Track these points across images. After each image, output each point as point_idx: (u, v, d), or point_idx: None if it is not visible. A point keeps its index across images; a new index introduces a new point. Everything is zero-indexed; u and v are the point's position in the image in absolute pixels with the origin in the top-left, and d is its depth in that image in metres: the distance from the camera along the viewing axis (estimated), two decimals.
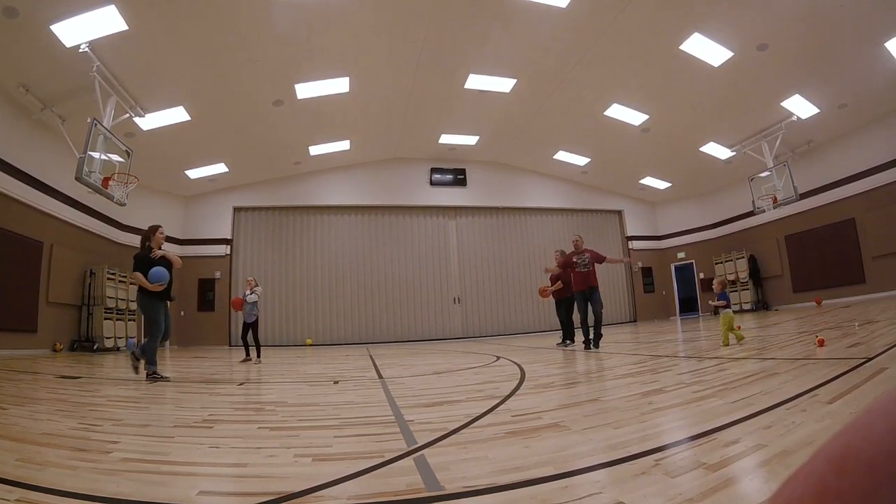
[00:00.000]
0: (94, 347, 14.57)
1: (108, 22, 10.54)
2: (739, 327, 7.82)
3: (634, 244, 23.80)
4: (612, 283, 22.59)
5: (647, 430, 2.72)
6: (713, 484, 1.74)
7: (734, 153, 18.69)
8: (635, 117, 17.15)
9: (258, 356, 10.97)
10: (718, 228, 22.57)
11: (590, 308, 9.46)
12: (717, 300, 7.63)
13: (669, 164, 20.70)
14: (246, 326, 10.98)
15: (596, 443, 2.50)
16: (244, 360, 10.76)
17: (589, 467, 2.09)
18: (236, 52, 12.41)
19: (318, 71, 13.77)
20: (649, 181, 22.65)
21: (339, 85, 14.54)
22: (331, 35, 12.32)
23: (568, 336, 10.51)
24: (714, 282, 8.49)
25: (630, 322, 22.31)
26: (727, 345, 7.02)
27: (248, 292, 10.94)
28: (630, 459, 2.12)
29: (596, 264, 9.46)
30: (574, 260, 9.36)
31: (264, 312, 19.31)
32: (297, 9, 11.17)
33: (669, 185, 22.73)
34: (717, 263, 21.52)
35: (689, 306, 23.50)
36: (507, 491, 1.88)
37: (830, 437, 0.29)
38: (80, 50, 10.89)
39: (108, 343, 15.08)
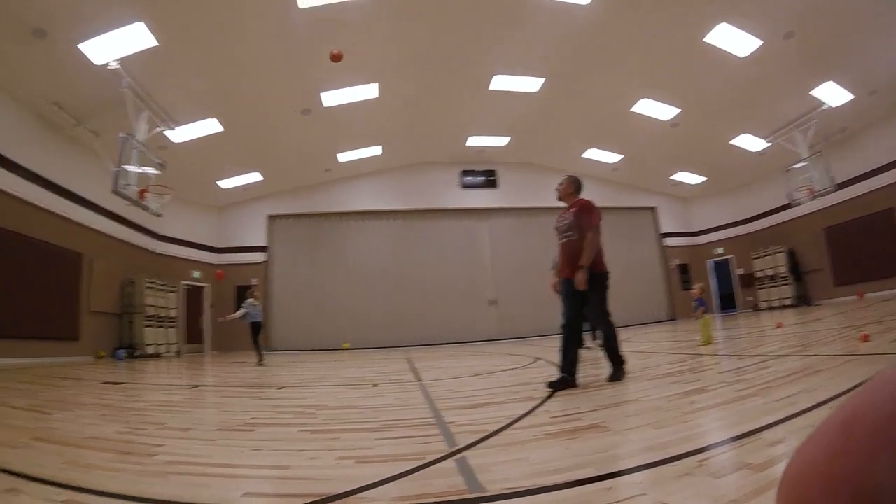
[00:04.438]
0: (135, 354, 14.92)
1: (136, 38, 10.87)
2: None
3: (669, 241, 23.45)
4: (647, 280, 22.36)
5: (690, 430, 2.68)
6: (758, 485, 1.71)
7: (768, 144, 18.24)
8: (664, 112, 16.91)
9: (261, 359, 11.85)
10: (755, 222, 22.08)
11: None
12: (697, 305, 8.25)
13: (701, 158, 20.37)
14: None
15: (637, 443, 2.49)
16: (260, 363, 11.50)
17: (631, 469, 2.07)
18: (263, 63, 12.65)
19: (343, 78, 13.90)
20: (682, 176, 22.29)
21: (367, 91, 14.67)
22: (357, 43, 12.38)
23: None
24: (695, 287, 8.81)
25: (668, 321, 21.91)
26: (709, 343, 7.65)
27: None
28: (672, 460, 2.09)
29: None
30: (556, 224, 5.43)
31: (302, 316, 19.86)
32: (319, 17, 11.29)
33: (703, 179, 22.36)
34: (754, 258, 21.04)
35: (728, 303, 22.99)
36: (549, 493, 1.88)
37: (840, 404, 0.33)
38: (110, 67, 11.20)
39: (150, 350, 15.43)
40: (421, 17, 11.97)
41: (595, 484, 1.92)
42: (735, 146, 18.94)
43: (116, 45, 10.89)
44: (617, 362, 5.01)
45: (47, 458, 2.75)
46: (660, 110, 16.85)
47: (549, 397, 4.20)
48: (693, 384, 4.21)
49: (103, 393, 6.32)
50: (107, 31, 10.48)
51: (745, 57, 13.50)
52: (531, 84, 15.27)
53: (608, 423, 3.01)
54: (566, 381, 4.67)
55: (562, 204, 5.39)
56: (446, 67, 14.14)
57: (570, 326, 4.92)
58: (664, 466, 2.04)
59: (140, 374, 9.72)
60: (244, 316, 12.12)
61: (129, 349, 14.98)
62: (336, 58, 10.07)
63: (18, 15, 9.66)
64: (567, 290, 5.03)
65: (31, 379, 8.08)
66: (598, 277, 4.93)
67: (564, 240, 5.18)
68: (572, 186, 5.38)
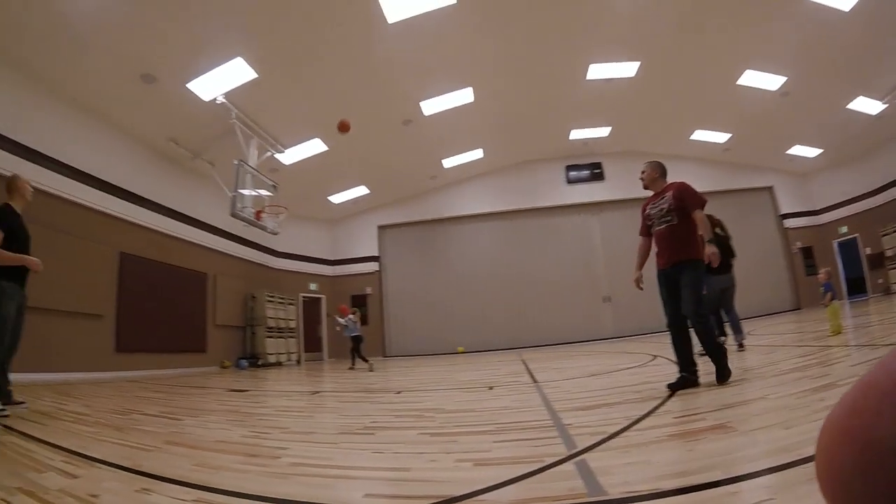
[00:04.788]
0: (258, 363, 15.83)
1: (238, 73, 11.69)
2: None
3: (790, 222, 21.64)
4: (767, 267, 20.89)
5: (820, 430, 2.51)
6: None
7: (886, 105, 16.30)
8: (772, 81, 15.63)
9: (353, 364, 13.20)
10: (882, 194, 19.46)
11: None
12: (824, 291, 7.67)
13: (816, 128, 18.58)
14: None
15: (765, 444, 2.36)
16: (349, 368, 12.83)
17: (758, 471, 1.97)
18: (358, 80, 13.06)
19: (440, 85, 14.15)
20: (798, 150, 20.41)
21: (463, 96, 14.81)
22: (448, 50, 12.59)
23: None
24: (821, 271, 8.06)
25: (793, 310, 20.38)
26: (838, 333, 7.02)
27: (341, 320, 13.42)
28: (803, 462, 1.97)
29: (690, 214, 4.77)
30: (646, 212, 5.11)
31: (416, 321, 20.55)
32: (411, 31, 11.47)
33: (820, 151, 20.34)
34: (883, 235, 18.59)
35: (856, 287, 20.67)
36: (672, 497, 1.83)
37: (868, 371, 0.37)
38: (218, 101, 12.16)
39: (271, 359, 16.43)
40: (508, 16, 11.90)
41: (720, 488, 1.85)
42: (851, 111, 17.07)
43: (220, 80, 11.79)
44: (718, 362, 4.56)
45: (178, 461, 2.96)
46: (767, 80, 15.60)
47: (669, 397, 4.08)
48: (822, 379, 3.94)
49: (229, 400, 6.73)
50: (210, 69, 11.39)
51: (851, 9, 12.13)
52: (628, 69, 14.79)
53: (733, 423, 2.89)
54: (686, 380, 4.48)
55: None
56: (540, 62, 13.97)
57: (674, 324, 4.76)
58: (794, 469, 1.93)
59: (263, 381, 10.24)
60: (344, 328, 13.16)
61: (251, 359, 15.95)
62: (344, 127, 10.39)
63: (127, 65, 10.74)
64: (668, 283, 4.78)
65: (163, 388, 8.72)
66: (697, 265, 4.68)
67: (663, 226, 4.85)
68: (657, 171, 5.11)
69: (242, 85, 12.03)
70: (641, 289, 5.11)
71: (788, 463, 2.00)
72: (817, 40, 13.52)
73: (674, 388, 4.38)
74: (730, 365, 4.57)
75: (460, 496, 2.03)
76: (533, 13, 11.91)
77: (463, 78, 14.12)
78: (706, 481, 1.93)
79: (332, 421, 4.64)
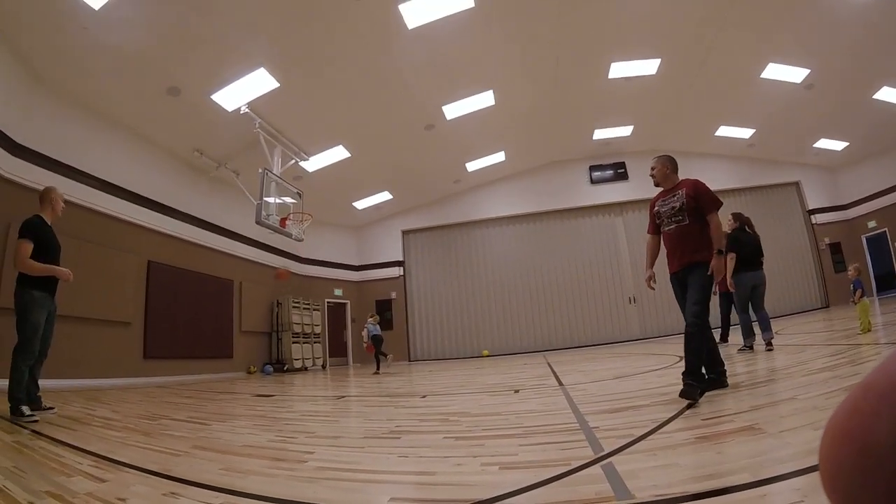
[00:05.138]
0: (284, 368, 16.00)
1: (260, 83, 11.86)
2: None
3: (817, 217, 21.03)
4: (795, 264, 20.47)
5: None
6: None
7: None
8: (795, 74, 15.26)
9: (378, 369, 13.57)
10: None
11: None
12: (854, 288, 7.59)
13: (842, 120, 18.05)
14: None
15: (795, 446, 2.33)
16: (374, 373, 12.92)
17: (788, 473, 1.95)
18: (380, 87, 13.12)
19: (462, 89, 14.18)
20: (824, 143, 19.82)
21: (484, 99, 14.81)
22: (467, 54, 12.61)
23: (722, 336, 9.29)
24: (850, 268, 7.90)
25: (822, 308, 19.87)
26: (868, 331, 6.92)
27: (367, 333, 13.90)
28: None
29: (703, 215, 4.47)
30: (655, 209, 4.86)
31: (440, 325, 20.69)
32: (428, 34, 11.50)
33: (846, 144, 19.72)
34: None
35: (886, 283, 19.89)
36: (701, 500, 1.82)
37: (869, 372, 0.38)
38: (241, 112, 12.35)
39: (297, 364, 16.63)
40: (526, 17, 11.86)
41: (750, 490, 1.84)
42: (877, 101, 16.57)
43: (244, 91, 11.97)
44: (693, 375, 4.04)
45: (206, 465, 3.01)
46: (791, 73, 15.24)
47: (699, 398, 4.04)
48: (853, 379, 3.86)
49: (256, 405, 6.79)
50: (233, 80, 11.57)
51: None
52: (649, 66, 14.63)
53: (762, 425, 2.85)
54: (713, 382, 4.35)
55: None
56: (560, 63, 13.90)
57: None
58: None
59: (289, 386, 10.33)
60: (369, 335, 13.65)
61: (277, 364, 16.15)
62: (282, 276, 10.49)
63: (154, 79, 10.99)
64: (680, 288, 4.56)
65: (190, 393, 8.85)
66: (708, 267, 4.30)
67: (673, 226, 4.55)
68: (669, 166, 4.80)
69: (265, 94, 12.18)
70: (653, 288, 4.91)
71: (818, 465, 1.95)
72: (840, 30, 13.19)
73: (698, 392, 4.00)
74: (766, 365, 4.49)
75: (486, 500, 2.04)
76: (551, 13, 11.87)
77: (483, 81, 14.12)
78: (735, 484, 1.91)
79: (358, 425, 4.68)
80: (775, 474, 1.97)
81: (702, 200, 4.43)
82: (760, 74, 15.34)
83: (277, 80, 11.85)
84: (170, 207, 13.28)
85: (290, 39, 10.88)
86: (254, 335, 16.14)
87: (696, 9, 12.33)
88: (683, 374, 4.09)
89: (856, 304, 7.42)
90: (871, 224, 20.25)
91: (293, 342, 16.80)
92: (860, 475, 0.36)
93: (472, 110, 15.09)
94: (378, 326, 13.80)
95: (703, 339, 4.21)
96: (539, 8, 11.63)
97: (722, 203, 4.46)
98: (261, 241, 16.44)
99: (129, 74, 10.60)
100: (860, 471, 0.36)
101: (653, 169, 4.87)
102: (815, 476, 1.82)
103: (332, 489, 2.40)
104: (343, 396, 7.68)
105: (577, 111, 16.98)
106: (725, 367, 4.45)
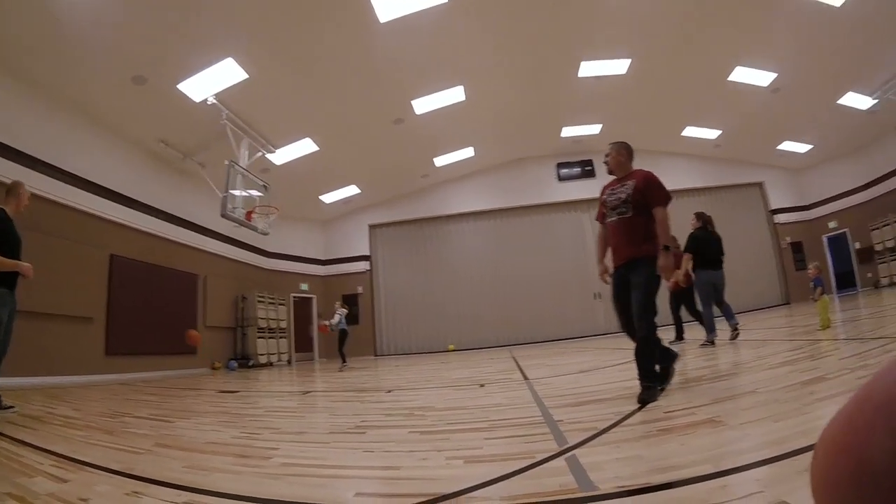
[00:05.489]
0: (249, 364, 15.81)
1: (228, 73, 11.62)
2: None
3: (780, 217, 21.71)
4: (757, 262, 20.97)
5: (810, 422, 2.54)
6: None
7: (876, 101, 16.40)
8: (763, 77, 15.66)
9: (343, 364, 13.36)
10: (871, 189, 19.56)
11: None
12: (814, 286, 7.83)
13: (807, 123, 18.63)
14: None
15: (755, 438, 2.38)
16: (341, 369, 12.78)
17: (749, 465, 1.99)
18: (350, 80, 12.98)
19: (433, 84, 14.12)
20: (788, 146, 20.47)
21: (454, 95, 14.78)
22: (439, 49, 12.58)
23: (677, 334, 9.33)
24: (811, 267, 8.16)
25: (783, 305, 20.54)
26: (828, 327, 7.11)
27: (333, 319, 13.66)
28: (793, 455, 1.99)
29: (650, 209, 4.19)
30: (603, 196, 4.51)
31: (406, 320, 20.57)
32: (401, 29, 11.44)
33: (810, 147, 20.37)
34: (873, 230, 18.67)
35: (846, 281, 20.78)
36: (663, 491, 1.84)
37: (863, 384, 0.36)
38: (209, 102, 12.10)
39: (262, 359, 16.47)
40: (499, 14, 11.88)
41: (711, 481, 1.86)
42: (842, 106, 17.16)
43: (211, 81, 11.71)
44: (649, 377, 3.96)
45: (169, 463, 2.95)
46: (758, 77, 15.63)
47: (659, 391, 4.09)
48: (812, 373, 3.96)
49: (220, 401, 6.70)
50: (201, 70, 11.31)
51: (842, 5, 12.17)
52: (619, 66, 14.80)
53: (724, 418, 2.90)
54: (650, 389, 3.94)
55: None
56: (531, 60, 13.96)
57: (629, 332, 4.32)
58: (784, 462, 1.94)
59: (253, 382, 10.22)
60: (339, 323, 13.39)
61: (241, 360, 15.93)
62: (192, 339, 10.52)
63: (119, 67, 10.69)
64: (620, 284, 4.26)
65: (154, 390, 8.69)
66: (652, 262, 4.06)
67: (615, 217, 4.25)
68: (624, 153, 4.46)
69: (233, 85, 11.97)
70: (608, 282, 4.48)
71: (778, 456, 2.02)
72: (809, 36, 13.55)
73: (645, 401, 3.79)
74: (727, 360, 4.55)
75: (451, 494, 2.03)
76: (523, 11, 11.89)
77: (454, 76, 14.10)
78: (696, 475, 1.93)
79: (323, 421, 4.65)
80: (736, 465, 2.00)
81: (650, 193, 4.16)
82: (728, 77, 15.67)
83: (246, 71, 11.65)
84: (133, 199, 12.95)
85: (261, 30, 10.70)
86: (218, 330, 15.88)
87: (667, 11, 12.51)
88: (640, 378, 3.99)
89: (816, 301, 7.58)
90: (832, 224, 21.04)
91: (258, 337, 16.59)
92: (856, 491, 0.35)
93: (442, 105, 15.06)
94: (345, 320, 13.63)
95: (655, 345, 4.08)
96: (512, 5, 11.65)
97: (671, 198, 4.19)
98: (226, 234, 16.19)
99: (94, 61, 10.29)
100: (856, 486, 0.35)
101: (607, 155, 4.53)
102: (775, 467, 1.86)
103: (297, 485, 2.37)
104: (308, 392, 7.63)
105: (546, 109, 17.07)
106: (684, 337, 4.33)
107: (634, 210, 4.14)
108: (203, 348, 14.63)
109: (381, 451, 3.05)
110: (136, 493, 2.32)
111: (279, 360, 17.44)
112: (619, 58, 14.46)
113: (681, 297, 8.90)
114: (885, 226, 18.15)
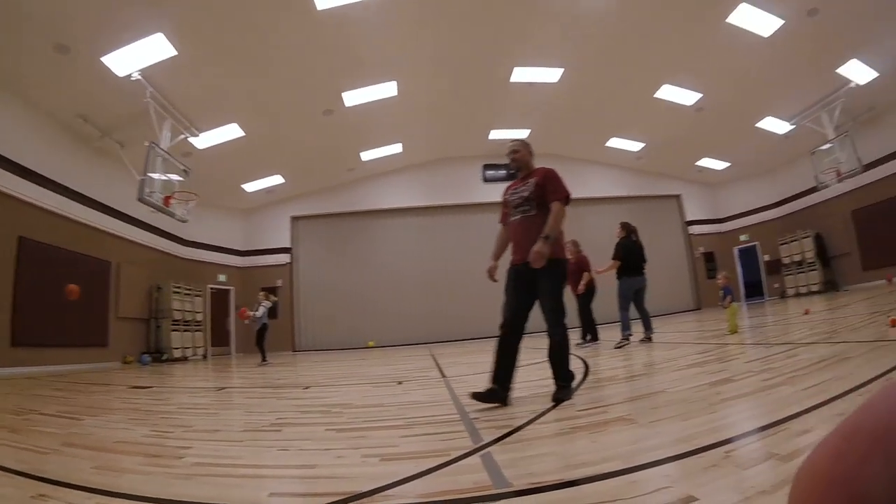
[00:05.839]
0: (163, 358, 15.16)
1: (157, 49, 11.04)
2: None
3: (695, 228, 23.09)
4: (672, 269, 22.07)
5: (717, 421, 2.65)
6: (786, 475, 1.69)
7: (793, 126, 17.75)
8: (688, 97, 16.60)
9: (263, 360, 12.53)
10: (781, 207, 21.49)
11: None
12: (724, 294, 8.13)
13: (726, 143, 19.91)
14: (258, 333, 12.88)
15: (664, 436, 2.46)
16: (260, 364, 12.13)
17: (658, 461, 2.05)
18: (282, 67, 12.72)
19: (365, 78, 13.99)
20: (706, 162, 21.85)
21: (386, 90, 14.70)
22: (374, 41, 12.46)
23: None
24: (720, 276, 8.71)
25: (694, 310, 21.67)
26: (735, 332, 7.52)
27: (254, 312, 12.95)
28: (700, 452, 2.07)
29: (549, 202, 4.11)
30: (506, 196, 4.52)
31: (327, 315, 20.24)
32: (338, 19, 11.30)
33: (728, 164, 21.88)
34: (781, 244, 20.43)
35: (755, 291, 22.46)
36: (575, 486, 1.87)
37: (850, 413, 0.33)
38: (133, 78, 11.44)
39: (176, 353, 15.79)
40: (438, 12, 11.93)
41: (622, 477, 1.91)
42: (760, 129, 18.46)
43: (138, 56, 11.10)
44: (564, 378, 3.96)
45: (77, 463, 2.79)
46: (683, 96, 16.54)
47: (574, 390, 4.18)
48: (720, 374, 4.15)
49: (132, 397, 6.41)
50: (128, 43, 10.69)
51: (769, 36, 13.12)
52: (551, 74, 15.15)
53: (635, 416, 2.99)
54: (495, 395, 3.87)
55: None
56: (466, 61, 14.08)
57: (510, 325, 4.23)
58: (691, 458, 2.02)
59: (167, 377, 9.86)
60: (262, 316, 12.84)
61: (155, 353, 15.24)
62: (71, 292, 10.22)
63: (40, 32, 9.89)
64: (518, 279, 4.19)
65: (62, 385, 8.25)
66: (558, 264, 4.08)
67: (519, 216, 4.20)
68: (529, 152, 4.45)
69: (161, 62, 11.37)
70: (495, 280, 4.52)
71: (686, 452, 2.09)
72: (736, 62, 14.48)
73: (480, 398, 3.84)
74: (640, 361, 4.68)
75: (367, 492, 2.01)
76: (463, 12, 12.01)
77: (388, 71, 14.02)
78: (608, 471, 1.98)
79: (238, 418, 4.53)
80: (646, 461, 2.06)
81: (548, 187, 4.08)
82: (655, 94, 16.42)
83: (175, 48, 11.10)
84: (46, 177, 12.06)
85: (195, 6, 10.24)
86: (131, 322, 15.06)
87: (605, 29, 13.00)
88: (555, 378, 3.96)
89: (725, 308, 7.95)
90: (744, 237, 22.85)
91: (172, 330, 15.88)
92: None
93: (373, 99, 14.95)
94: (267, 314, 13.17)
95: (567, 345, 4.04)
96: (452, 6, 11.72)
97: (570, 196, 4.11)
98: (143, 220, 15.28)
99: (14, 24, 9.50)
100: None
101: (515, 152, 4.42)
102: (683, 463, 1.93)
103: (210, 486, 2.28)
104: (224, 388, 7.41)
105: (477, 110, 17.24)
106: (513, 386, 4.05)
107: (538, 208, 4.09)
108: (115, 341, 13.95)
109: (297, 449, 2.99)
110: (41, 496, 2.18)
111: (194, 355, 16.80)
112: (552, 66, 14.81)
113: (588, 300, 9.38)
114: (792, 241, 19.83)
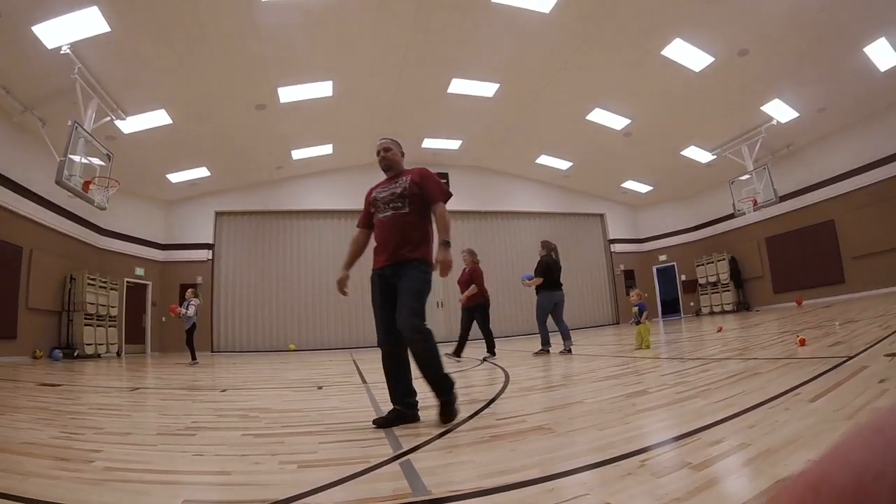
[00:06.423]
0: (75, 354, 14.35)
1: (90, 23, 10.43)
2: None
3: (616, 247, 24.08)
4: (593, 285, 22.91)
5: (632, 431, 2.73)
6: (699, 483, 1.75)
7: (715, 157, 18.95)
8: (617, 121, 17.29)
9: (192, 359, 12.34)
10: (699, 231, 22.95)
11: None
12: (639, 310, 8.43)
13: (651, 167, 20.93)
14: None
15: (581, 445, 2.51)
16: (191, 364, 11.92)
17: (575, 469, 2.09)
18: (219, 56, 12.33)
19: (302, 75, 13.74)
20: (631, 184, 22.91)
21: (322, 89, 14.52)
22: (315, 38, 12.28)
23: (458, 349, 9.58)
24: (632, 294, 9.13)
25: (613, 324, 22.51)
26: (647, 347, 7.89)
27: (184, 309, 12.66)
28: (616, 461, 2.12)
29: (427, 205, 3.84)
30: (372, 196, 4.04)
31: (247, 316, 19.73)
32: (281, 11, 11.11)
33: (651, 188, 23.02)
34: (698, 265, 21.77)
35: (671, 308, 23.79)
36: (494, 494, 1.88)
37: (813, 461, 0.31)
38: (62, 52, 10.78)
39: (89, 350, 14.88)
40: (382, 17, 11.89)
41: (540, 485, 1.93)
42: (684, 157, 19.55)
43: (70, 28, 10.45)
44: (446, 390, 3.50)
45: None
46: (613, 120, 17.21)
47: (493, 400, 4.25)
48: (635, 386, 4.30)
49: (40, 395, 6.07)
50: (62, 14, 10.08)
51: (700, 71, 13.92)
52: (487, 89, 15.38)
53: (553, 426, 3.04)
54: (402, 415, 3.51)
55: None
56: (404, 68, 14.08)
57: (390, 341, 3.83)
58: (608, 467, 2.07)
59: (79, 375, 9.37)
60: (194, 314, 12.60)
61: (67, 349, 14.39)
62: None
63: None
64: (384, 287, 3.83)
65: None
66: (425, 265, 3.76)
67: (389, 213, 3.78)
68: (401, 151, 4.15)
69: (92, 37, 10.76)
70: (345, 293, 4.19)
71: (602, 461, 2.14)
72: (666, 92, 15.29)
73: (385, 425, 3.38)
74: (560, 372, 4.76)
75: (284, 499, 1.97)
76: (408, 18, 12.01)
77: (325, 70, 13.85)
78: (527, 479, 2.00)
79: (152, 420, 4.34)
80: (563, 470, 2.10)
81: (427, 187, 3.79)
82: (587, 116, 17.04)
83: (109, 25, 10.52)
84: None
85: None
86: (42, 314, 14.08)
87: (542, 46, 13.30)
88: (434, 393, 3.52)
89: (638, 325, 8.21)
90: (663, 257, 24.31)
91: (86, 324, 15.02)
92: None
93: (308, 97, 14.73)
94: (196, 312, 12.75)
95: (434, 349, 3.57)
96: (396, 10, 11.70)
97: (451, 195, 3.91)
98: (59, 204, 14.37)
99: None
100: None
101: (388, 150, 4.05)
102: (600, 471, 1.98)
103: (120, 492, 2.17)
104: (137, 388, 7.11)
105: (411, 117, 17.20)
106: (417, 397, 3.67)
107: (411, 206, 3.74)
108: (24, 333, 13.13)
109: (213, 454, 2.88)
110: None
111: (107, 352, 15.96)
112: (489, 81, 15.03)
113: (473, 315, 9.58)
114: (708, 263, 21.25)
